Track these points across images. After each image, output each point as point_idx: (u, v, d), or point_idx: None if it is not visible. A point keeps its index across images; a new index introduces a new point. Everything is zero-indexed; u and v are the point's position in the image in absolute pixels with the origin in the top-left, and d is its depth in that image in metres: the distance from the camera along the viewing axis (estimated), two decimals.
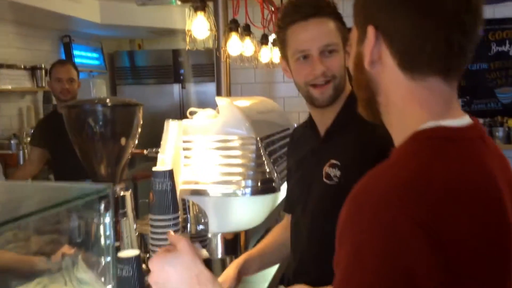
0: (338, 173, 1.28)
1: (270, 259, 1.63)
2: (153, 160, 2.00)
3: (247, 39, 2.37)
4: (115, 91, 5.47)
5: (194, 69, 5.21)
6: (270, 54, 2.97)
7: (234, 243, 1.83)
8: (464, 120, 0.75)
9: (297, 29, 1.28)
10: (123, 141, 1.70)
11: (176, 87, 5.35)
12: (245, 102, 2.04)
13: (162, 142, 1.78)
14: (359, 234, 0.64)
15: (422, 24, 0.71)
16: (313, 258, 1.36)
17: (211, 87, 5.02)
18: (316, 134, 1.40)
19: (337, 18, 1.29)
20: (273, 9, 2.78)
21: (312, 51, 1.27)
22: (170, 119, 1.79)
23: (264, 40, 2.83)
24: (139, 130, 1.72)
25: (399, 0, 0.72)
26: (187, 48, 1.92)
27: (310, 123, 1.43)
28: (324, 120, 1.37)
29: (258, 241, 2.00)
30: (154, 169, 1.63)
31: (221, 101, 1.84)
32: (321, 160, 1.33)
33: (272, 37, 2.95)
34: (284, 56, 1.36)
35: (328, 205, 1.31)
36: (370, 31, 0.75)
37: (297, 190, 1.45)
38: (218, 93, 2.92)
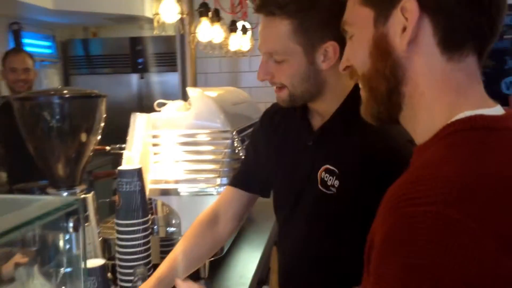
0: (336, 182, 1.13)
1: (188, 268, 1.36)
2: (111, 155, 1.82)
3: (217, 25, 2.21)
4: (68, 82, 5.19)
5: (154, 58, 4.97)
6: (240, 41, 2.81)
7: None
8: (498, 109, 0.67)
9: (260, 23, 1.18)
10: (83, 137, 1.52)
11: (134, 77, 5.10)
12: (217, 93, 1.89)
13: (128, 138, 1.62)
14: (413, 250, 0.52)
15: None
16: (308, 264, 1.24)
17: (172, 77, 4.81)
18: (309, 126, 1.24)
19: (304, 19, 1.11)
20: None
21: (261, 52, 1.16)
22: (137, 113, 1.62)
23: (233, 27, 2.66)
24: (102, 124, 1.55)
25: None
26: (154, 33, 1.75)
27: (301, 111, 1.25)
28: (320, 114, 1.21)
29: (232, 242, 1.87)
30: (120, 168, 1.47)
31: (193, 91, 1.69)
32: (316, 162, 1.18)
33: (241, 23, 2.79)
34: None
35: (325, 214, 1.19)
36: (413, 5, 0.64)
37: (285, 186, 1.30)
38: (183, 83, 2.77)
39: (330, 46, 1.12)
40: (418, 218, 0.52)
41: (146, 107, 5.61)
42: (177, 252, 1.33)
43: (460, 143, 0.61)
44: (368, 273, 0.60)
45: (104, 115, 1.55)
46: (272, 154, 1.34)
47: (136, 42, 5.08)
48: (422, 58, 0.66)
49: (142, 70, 5.06)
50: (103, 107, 1.54)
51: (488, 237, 0.51)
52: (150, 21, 4.89)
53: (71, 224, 0.68)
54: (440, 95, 0.66)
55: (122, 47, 5.13)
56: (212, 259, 1.67)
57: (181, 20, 1.70)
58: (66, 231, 0.71)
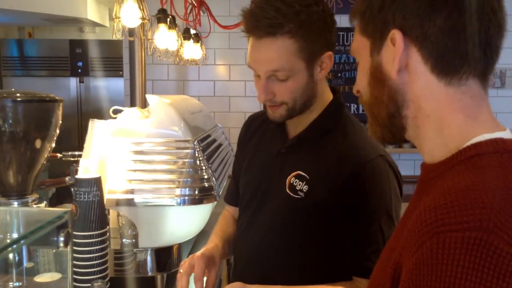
0: (305, 187, 1.16)
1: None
2: (48, 162, 1.74)
3: (173, 32, 2.17)
4: (1, 83, 4.93)
5: (95, 62, 4.82)
6: (192, 49, 2.77)
7: (166, 258, 1.63)
8: (508, 132, 0.68)
9: (251, 45, 1.13)
10: (38, 143, 1.43)
11: (73, 81, 4.92)
12: (175, 101, 1.85)
13: (85, 145, 1.54)
14: (452, 275, 0.52)
15: (459, 23, 0.64)
16: (263, 262, 1.24)
17: (115, 82, 4.69)
18: (283, 134, 1.27)
19: (305, 33, 1.09)
20: (195, 3, 2.60)
21: (260, 73, 1.14)
22: (95, 119, 1.55)
23: (186, 35, 2.63)
24: (58, 131, 1.47)
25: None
26: (113, 37, 1.69)
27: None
28: (297, 123, 1.24)
29: (188, 254, 1.83)
30: (78, 176, 1.40)
31: (152, 99, 1.64)
32: (286, 167, 1.21)
33: (192, 31, 2.76)
34: None
35: (289, 217, 1.21)
36: (397, 35, 0.67)
37: (251, 189, 1.30)
38: (132, 90, 2.69)
39: (327, 57, 1.14)
40: (457, 244, 0.52)
41: (85, 112, 5.39)
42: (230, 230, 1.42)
43: (488, 167, 0.61)
44: None
45: (60, 121, 1.48)
46: (246, 159, 1.36)
47: (76, 45, 4.91)
48: (418, 84, 0.68)
49: (81, 74, 4.89)
50: (59, 112, 1.47)
51: None
52: (93, 24, 4.76)
53: (61, 239, 0.63)
54: (447, 117, 0.67)
55: (61, 50, 4.94)
56: (170, 272, 1.63)
57: (142, 25, 1.66)
58: (55, 246, 0.65)
